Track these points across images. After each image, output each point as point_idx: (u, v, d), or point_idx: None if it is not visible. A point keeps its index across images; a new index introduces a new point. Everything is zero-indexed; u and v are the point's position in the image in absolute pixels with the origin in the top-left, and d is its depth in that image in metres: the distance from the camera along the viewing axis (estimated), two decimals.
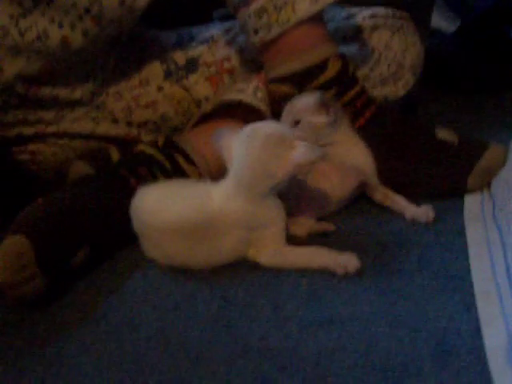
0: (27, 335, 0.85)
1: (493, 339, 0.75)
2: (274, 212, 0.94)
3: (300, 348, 0.77)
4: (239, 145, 0.92)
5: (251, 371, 0.74)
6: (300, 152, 0.89)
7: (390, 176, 1.06)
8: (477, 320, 0.79)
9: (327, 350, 0.77)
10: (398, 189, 1.06)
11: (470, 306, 0.82)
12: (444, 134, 1.09)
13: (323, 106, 1.02)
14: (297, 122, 1.03)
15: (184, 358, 0.78)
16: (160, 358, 0.78)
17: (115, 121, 1.17)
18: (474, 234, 0.96)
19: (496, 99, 1.42)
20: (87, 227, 0.94)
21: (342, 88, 1.06)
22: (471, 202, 1.04)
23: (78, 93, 1.12)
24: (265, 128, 0.92)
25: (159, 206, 0.94)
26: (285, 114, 1.05)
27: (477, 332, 0.77)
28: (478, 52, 1.57)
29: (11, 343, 0.84)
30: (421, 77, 1.28)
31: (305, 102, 1.03)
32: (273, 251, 0.93)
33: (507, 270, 0.84)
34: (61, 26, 1.02)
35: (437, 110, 1.38)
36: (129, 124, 1.18)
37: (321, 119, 1.03)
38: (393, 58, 1.21)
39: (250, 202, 0.92)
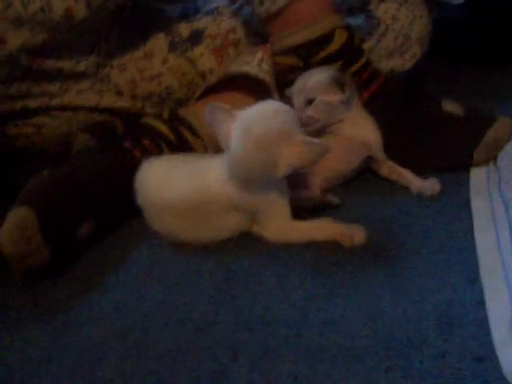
0: (34, 306, 0.86)
1: (496, 311, 0.75)
2: (274, 192, 0.91)
3: (304, 319, 0.78)
4: (236, 136, 0.87)
5: (255, 342, 0.75)
6: (300, 151, 0.85)
7: (396, 149, 1.06)
8: (481, 292, 0.79)
9: (331, 321, 0.77)
10: (404, 162, 1.05)
11: (474, 278, 0.82)
12: (450, 106, 1.08)
13: (337, 83, 1.01)
14: (310, 101, 1.01)
15: (189, 329, 0.78)
16: (165, 329, 0.79)
17: (120, 93, 1.16)
18: (479, 207, 0.95)
19: (506, 71, 1.41)
20: (92, 199, 0.94)
21: (347, 60, 1.05)
22: (477, 176, 1.04)
23: (82, 65, 1.11)
24: (261, 126, 0.86)
25: (161, 183, 0.95)
26: (295, 91, 1.03)
27: (480, 304, 0.77)
28: (487, 23, 1.55)
29: (18, 314, 0.85)
30: (428, 49, 1.27)
31: (318, 80, 1.01)
32: (277, 227, 0.93)
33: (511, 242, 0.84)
34: None
35: (445, 82, 1.36)
36: (133, 97, 1.17)
37: (336, 98, 1.02)
38: (400, 29, 1.20)
39: (247, 188, 0.90)
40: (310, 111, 1.01)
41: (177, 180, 0.94)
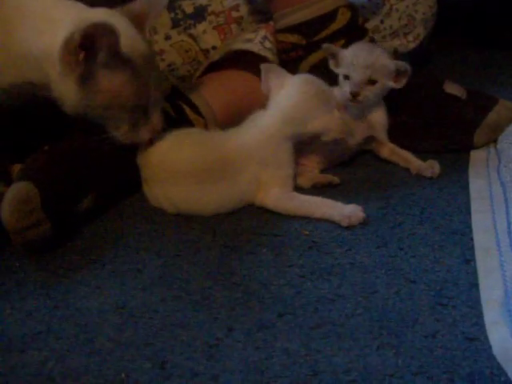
0: (34, 278, 0.87)
1: (489, 292, 0.76)
2: (286, 156, 0.97)
3: (299, 296, 0.79)
4: (293, 85, 0.99)
5: (251, 317, 0.76)
6: (334, 124, 0.97)
7: (397, 130, 1.06)
8: (475, 273, 0.80)
9: (326, 298, 0.78)
10: (405, 143, 1.06)
11: (469, 259, 0.83)
12: (452, 88, 1.08)
13: (400, 72, 1.02)
14: (372, 82, 1.01)
15: (186, 303, 0.80)
16: (161, 303, 0.80)
17: None
18: (477, 189, 0.96)
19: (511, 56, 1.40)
20: (93, 174, 0.95)
21: (350, 39, 1.05)
22: (477, 158, 1.04)
23: None
24: (320, 83, 1.00)
25: (173, 149, 0.96)
26: (359, 65, 1.00)
27: (474, 285, 0.78)
28: (493, 7, 1.54)
29: (18, 287, 0.86)
30: (433, 30, 1.26)
31: (384, 64, 1.02)
32: (280, 194, 0.96)
33: (508, 225, 0.85)
34: None
35: (449, 64, 1.36)
36: None
37: (398, 86, 1.03)
38: (404, 10, 1.20)
39: (275, 140, 0.97)
40: (368, 92, 1.01)
41: (193, 147, 0.97)
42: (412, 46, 1.22)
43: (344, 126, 0.97)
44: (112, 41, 0.84)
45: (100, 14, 0.89)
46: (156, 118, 0.93)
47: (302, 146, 0.99)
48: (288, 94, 0.98)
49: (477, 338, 0.71)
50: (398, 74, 1.02)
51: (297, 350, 0.71)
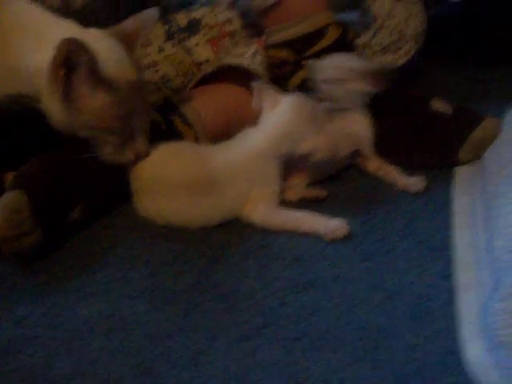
0: (24, 286, 0.89)
1: (467, 306, 0.78)
2: (274, 174, 1.00)
3: (282, 308, 0.81)
4: (285, 105, 1.01)
5: (234, 327, 0.78)
6: (322, 144, 0.99)
7: (384, 146, 1.08)
8: (453, 288, 0.82)
9: (308, 310, 0.80)
10: (391, 159, 1.08)
11: (448, 274, 0.85)
12: (439, 105, 1.10)
13: (377, 75, 1.03)
14: (343, 82, 1.03)
15: (171, 313, 0.82)
16: (150, 312, 0.82)
17: None
18: (460, 205, 0.98)
19: (499, 71, 1.42)
20: (84, 184, 0.97)
21: None
22: (462, 174, 1.06)
23: None
24: (311, 103, 1.02)
25: (163, 162, 0.98)
26: (324, 67, 1.03)
27: (452, 300, 0.80)
28: (482, 22, 1.56)
29: (11, 294, 0.87)
30: (423, 46, 1.28)
31: (356, 65, 1.03)
32: (266, 210, 0.98)
33: (489, 241, 0.87)
34: None
35: (438, 79, 1.37)
36: None
37: (377, 89, 1.04)
38: (395, 26, 1.22)
39: (263, 158, 0.99)
40: (338, 92, 1.03)
41: (184, 161, 0.99)
42: (402, 61, 1.24)
43: (332, 145, 0.99)
44: (88, 58, 0.87)
45: (90, 35, 0.91)
46: (140, 143, 0.95)
47: (290, 162, 1.01)
48: (280, 114, 1.01)
49: (453, 352, 0.73)
50: (376, 77, 1.03)
51: (277, 361, 0.73)
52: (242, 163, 0.98)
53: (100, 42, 0.90)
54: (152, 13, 0.99)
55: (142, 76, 1.02)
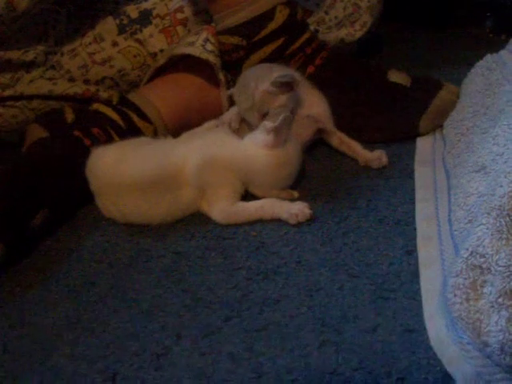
0: None
1: (429, 282, 0.78)
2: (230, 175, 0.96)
3: (245, 298, 0.81)
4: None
5: (198, 323, 0.78)
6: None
7: (343, 121, 1.07)
8: (416, 264, 0.82)
9: (271, 299, 0.80)
10: (352, 133, 1.07)
11: (411, 250, 0.85)
12: (396, 76, 1.09)
13: (284, 85, 0.98)
14: (265, 114, 0.99)
15: (137, 313, 0.81)
16: (113, 315, 0.81)
17: (72, 79, 1.17)
18: (422, 177, 0.98)
19: (461, 35, 1.40)
20: (44, 190, 0.96)
21: (290, 36, 1.06)
22: (423, 145, 1.06)
23: (31, 54, 1.12)
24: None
25: (117, 161, 0.97)
26: (245, 108, 1.00)
27: (415, 276, 0.80)
28: None
29: None
30: (381, 15, 1.27)
31: (264, 90, 0.98)
32: (226, 208, 0.95)
33: (449, 213, 0.86)
34: None
35: (399, 46, 1.36)
36: (86, 82, 1.18)
37: (288, 97, 1.00)
38: None
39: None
40: (273, 123, 0.94)
41: (138, 159, 0.97)
42: (359, 34, 1.23)
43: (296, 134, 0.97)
44: None
45: None
46: None
47: None
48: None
49: (415, 330, 0.73)
50: (288, 85, 0.99)
51: (241, 353, 0.73)
52: (196, 166, 0.95)
53: None
54: None
55: None
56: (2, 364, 0.77)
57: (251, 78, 1.00)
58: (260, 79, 0.98)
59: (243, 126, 1.03)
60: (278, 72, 0.98)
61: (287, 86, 0.98)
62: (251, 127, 1.00)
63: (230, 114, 1.04)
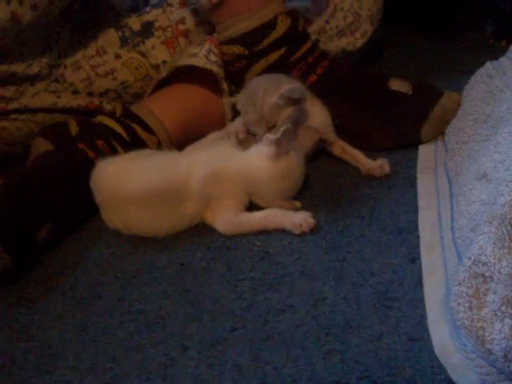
0: None
1: (432, 290, 0.78)
2: (234, 187, 0.97)
3: (250, 308, 0.81)
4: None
5: (204, 333, 0.78)
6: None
7: (345, 129, 1.08)
8: (420, 272, 0.82)
9: (276, 309, 0.80)
10: (354, 142, 1.08)
11: (414, 258, 0.85)
12: (397, 84, 1.09)
13: (291, 100, 0.99)
14: (272, 127, 1.00)
15: (142, 324, 0.82)
16: (120, 326, 0.82)
17: (76, 92, 1.18)
18: (424, 185, 0.98)
19: (462, 41, 1.41)
20: (49, 203, 0.97)
21: (292, 46, 1.07)
22: (425, 153, 1.06)
23: (35, 67, 1.13)
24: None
25: (121, 174, 0.98)
26: (253, 120, 1.00)
27: (419, 284, 0.80)
28: None
29: None
30: (382, 24, 1.27)
31: (272, 104, 0.99)
32: (230, 218, 0.96)
33: (452, 221, 0.87)
34: (8, 1, 1.02)
35: (400, 53, 1.37)
36: (90, 94, 1.19)
37: (294, 112, 1.00)
38: (349, 8, 1.21)
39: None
40: (275, 136, 0.95)
41: (143, 172, 0.97)
42: (360, 43, 1.23)
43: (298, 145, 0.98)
44: None
45: None
46: None
47: None
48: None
49: (420, 338, 0.73)
50: (295, 100, 1.00)
51: (247, 363, 0.74)
52: (200, 179, 0.96)
53: None
54: None
55: None
56: (10, 376, 0.78)
57: (258, 89, 1.00)
58: (267, 91, 0.99)
59: (248, 137, 1.04)
60: (285, 84, 0.99)
61: (295, 100, 0.99)
62: (256, 138, 1.01)
63: (236, 125, 1.05)
